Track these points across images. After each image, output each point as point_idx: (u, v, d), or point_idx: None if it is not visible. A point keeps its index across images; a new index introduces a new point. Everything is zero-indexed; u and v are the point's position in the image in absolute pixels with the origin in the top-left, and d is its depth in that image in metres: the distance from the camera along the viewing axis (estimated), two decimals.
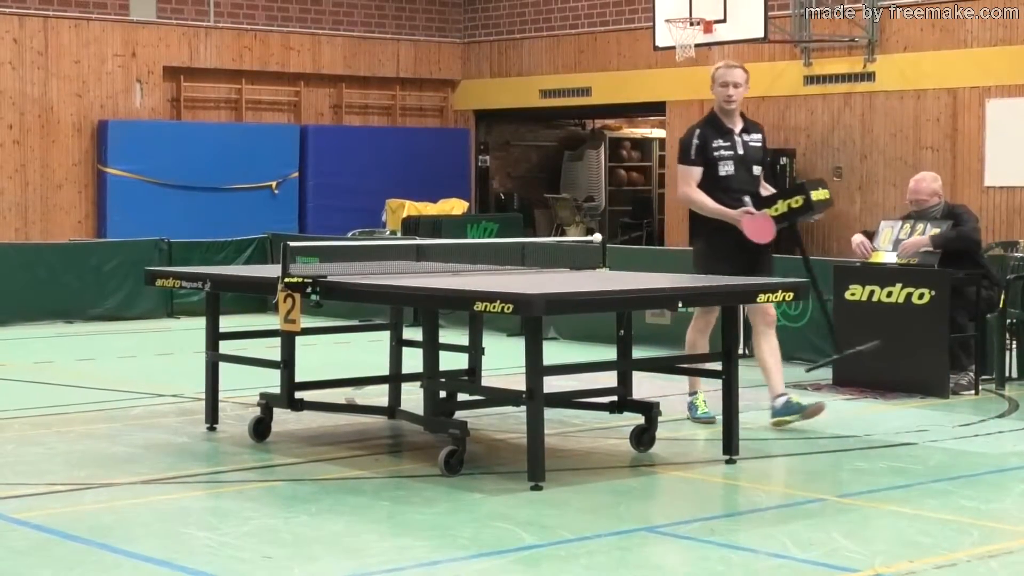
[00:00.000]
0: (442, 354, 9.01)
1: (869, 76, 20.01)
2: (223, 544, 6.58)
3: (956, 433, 9.48)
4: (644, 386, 9.48)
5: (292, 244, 8.66)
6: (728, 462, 8.35)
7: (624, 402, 8.87)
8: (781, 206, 9.44)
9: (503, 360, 10.65)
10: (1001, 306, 11.31)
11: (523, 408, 7.79)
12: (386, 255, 13.39)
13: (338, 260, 11.50)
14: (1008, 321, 11.42)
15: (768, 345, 9.53)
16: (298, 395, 9.05)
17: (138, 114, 22.14)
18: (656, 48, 20.32)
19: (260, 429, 9.09)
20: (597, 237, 9.84)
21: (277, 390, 9.06)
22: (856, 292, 11.18)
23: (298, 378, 9.07)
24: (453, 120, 25.47)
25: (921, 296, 10.89)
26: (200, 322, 9.92)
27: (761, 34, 19.18)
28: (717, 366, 8.45)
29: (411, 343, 9.66)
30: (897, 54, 19.77)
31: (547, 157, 26.86)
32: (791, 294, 8.52)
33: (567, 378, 9.70)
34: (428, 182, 23.55)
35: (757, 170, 9.60)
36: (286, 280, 8.37)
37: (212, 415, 9.46)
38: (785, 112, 21.04)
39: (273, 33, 23.43)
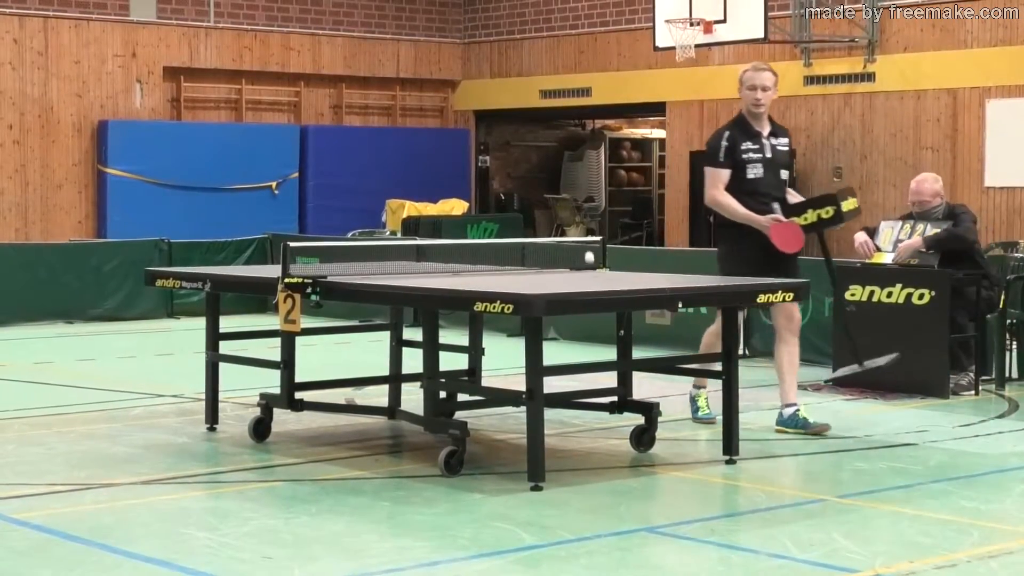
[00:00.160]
0: (442, 354, 9.01)
1: (869, 76, 20.02)
2: (223, 544, 6.58)
3: (956, 433, 9.48)
4: (644, 386, 9.48)
5: (292, 244, 8.66)
6: (728, 462, 8.35)
7: (624, 402, 8.87)
8: (811, 216, 9.29)
9: (503, 360, 10.65)
10: (1001, 306, 11.31)
11: (523, 408, 7.79)
12: (386, 255, 13.39)
13: (338, 260, 11.50)
14: (1008, 321, 11.42)
15: (788, 351, 9.38)
16: (298, 395, 9.05)
17: (138, 114, 22.15)
18: (656, 48, 20.32)
19: (260, 429, 9.09)
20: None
21: (277, 390, 9.06)
22: (856, 292, 11.19)
23: (298, 378, 9.07)
24: (453, 120, 25.48)
25: (921, 296, 10.89)
26: (200, 322, 9.92)
27: (761, 34, 19.19)
28: (717, 366, 8.45)
29: (411, 343, 9.66)
30: (897, 54, 19.78)
31: (547, 157, 26.86)
32: (791, 294, 8.52)
33: (567, 378, 9.70)
34: (428, 182, 23.55)
35: (784, 174, 9.47)
36: (286, 280, 8.37)
37: (212, 415, 9.46)
38: (785, 112, 21.02)
39: (273, 33, 23.43)
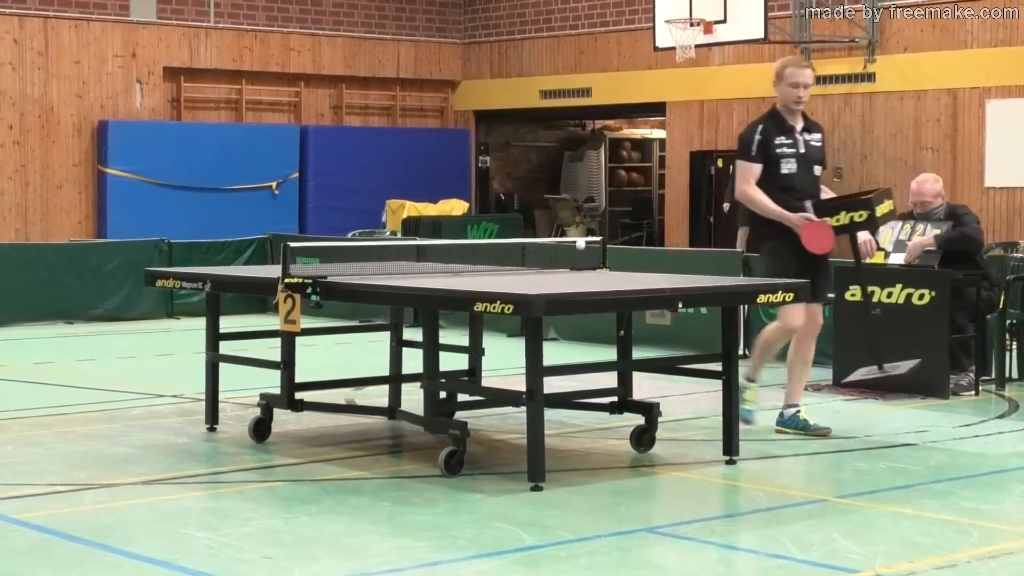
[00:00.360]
0: (442, 355, 9.01)
1: (869, 77, 20.02)
2: (223, 545, 6.58)
3: (956, 434, 9.48)
4: (644, 387, 9.47)
5: (292, 245, 8.66)
6: (728, 463, 8.35)
7: (624, 403, 8.87)
8: (843, 218, 9.15)
9: (503, 361, 10.65)
10: (1001, 307, 11.31)
11: (523, 409, 7.78)
12: (386, 256, 13.40)
13: (338, 261, 11.50)
14: (1008, 322, 11.43)
15: (802, 351, 9.29)
16: (298, 396, 9.05)
17: (138, 114, 22.15)
18: (656, 49, 20.32)
19: (260, 430, 9.09)
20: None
21: (277, 391, 9.06)
22: (856, 293, 11.18)
23: (298, 379, 9.07)
24: (453, 121, 25.48)
25: (921, 297, 10.89)
26: (200, 322, 9.92)
27: (761, 35, 19.19)
28: (717, 367, 8.44)
29: (411, 344, 9.66)
30: (897, 55, 19.78)
31: (547, 158, 26.86)
32: (791, 295, 8.51)
33: (567, 379, 9.70)
34: (428, 183, 23.55)
35: (818, 170, 9.31)
36: (286, 281, 8.37)
37: (212, 416, 9.46)
38: None
39: (273, 33, 23.44)
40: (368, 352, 11.64)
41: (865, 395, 10.86)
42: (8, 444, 9.03)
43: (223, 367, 9.49)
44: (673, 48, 19.59)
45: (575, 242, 9.74)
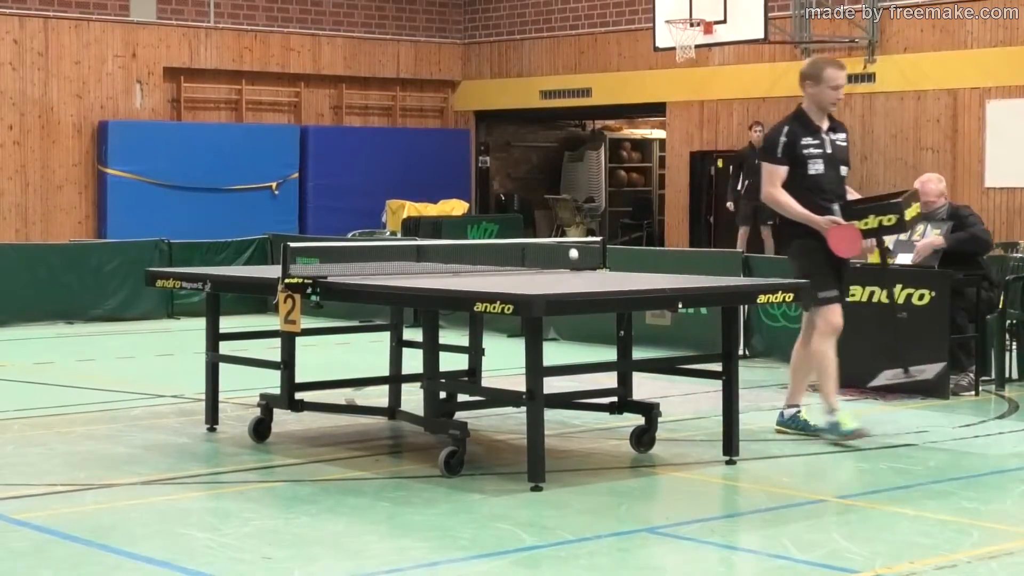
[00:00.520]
0: (442, 355, 9.01)
1: (869, 77, 20.02)
2: (223, 545, 6.58)
3: (956, 434, 9.48)
4: (644, 387, 9.47)
5: (292, 245, 8.66)
6: (728, 463, 8.35)
7: (624, 403, 8.87)
8: (872, 221, 9.05)
9: (503, 361, 10.65)
10: (1001, 307, 11.31)
11: (523, 409, 7.78)
12: (386, 256, 13.39)
13: (338, 261, 11.50)
14: (1008, 322, 11.43)
15: (810, 352, 9.19)
16: (298, 396, 9.05)
17: (138, 115, 22.15)
18: (656, 49, 20.34)
19: (260, 430, 9.09)
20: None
21: (277, 391, 9.06)
22: (856, 293, 11.17)
23: (298, 379, 9.07)
24: (453, 121, 25.48)
25: (921, 297, 10.89)
26: (200, 323, 9.92)
27: (761, 35, 19.21)
28: (717, 367, 8.44)
29: (411, 344, 9.66)
30: (897, 55, 19.78)
31: (547, 158, 26.87)
32: (791, 295, 8.52)
33: (567, 379, 9.70)
34: (428, 183, 23.56)
35: (844, 171, 9.19)
36: (286, 281, 8.37)
37: (212, 416, 9.46)
38: (785, 113, 20.98)
39: (273, 34, 23.44)
40: (368, 352, 11.64)
41: (865, 395, 10.86)
42: (8, 444, 9.03)
43: (223, 367, 9.49)
44: (673, 48, 19.60)
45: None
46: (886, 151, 19.90)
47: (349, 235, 21.01)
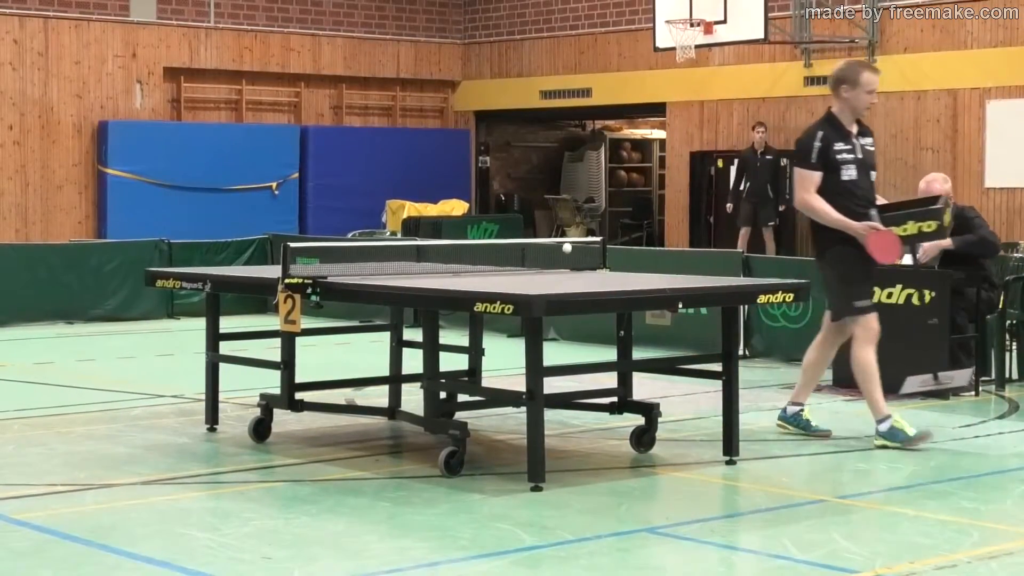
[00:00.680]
0: (442, 355, 9.01)
1: None
2: (223, 545, 6.58)
3: (956, 434, 9.48)
4: (644, 387, 9.48)
5: (292, 245, 8.66)
6: (728, 463, 8.35)
7: (624, 403, 8.87)
8: (911, 228, 8.96)
9: (503, 361, 10.65)
10: (1001, 307, 11.31)
11: (523, 409, 7.79)
12: (386, 256, 13.39)
13: (338, 261, 11.50)
14: (1008, 322, 11.43)
15: (826, 353, 9.14)
16: (298, 396, 9.06)
17: (138, 115, 22.15)
18: (656, 49, 20.34)
19: (260, 430, 9.09)
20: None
21: (277, 391, 9.06)
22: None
23: (298, 379, 9.07)
24: (453, 121, 25.48)
25: (921, 297, 10.89)
26: (200, 323, 9.92)
27: (761, 35, 19.20)
28: (717, 367, 8.44)
29: (411, 344, 9.66)
30: (897, 55, 19.78)
31: (547, 158, 26.87)
32: (791, 295, 8.52)
33: (567, 379, 9.70)
34: (428, 183, 23.56)
35: (874, 175, 9.05)
36: (286, 281, 8.37)
37: (212, 416, 9.46)
38: (785, 113, 21.04)
39: (273, 34, 23.44)
40: (368, 352, 11.65)
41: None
42: (8, 444, 9.03)
43: (223, 367, 9.49)
44: (673, 48, 19.60)
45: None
46: (886, 151, 19.88)
47: (349, 235, 21.01)
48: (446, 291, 8.17)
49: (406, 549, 6.54)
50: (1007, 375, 11.40)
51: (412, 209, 21.65)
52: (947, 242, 11.11)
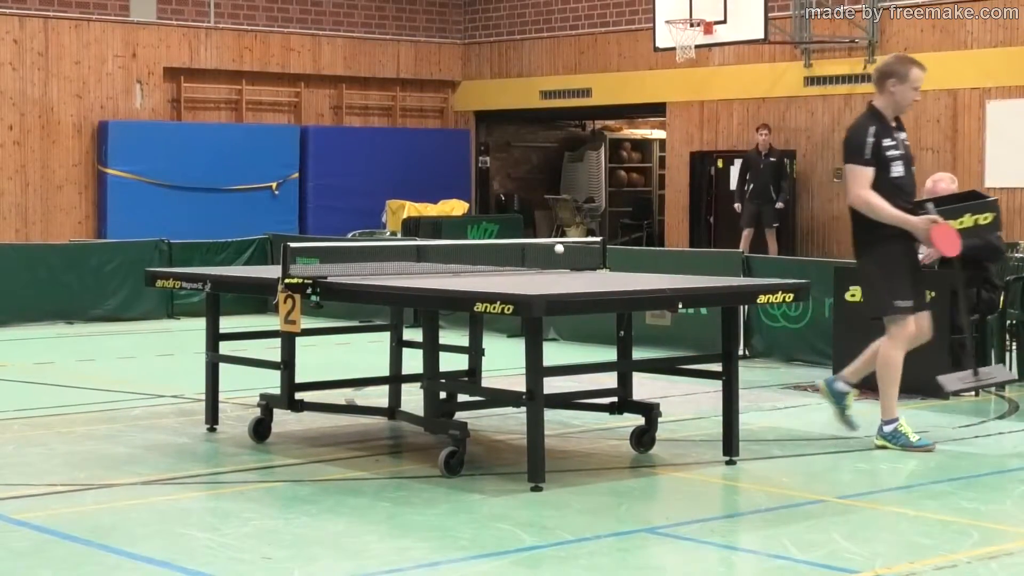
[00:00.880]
0: (442, 355, 9.01)
1: (869, 77, 19.95)
2: (223, 545, 6.58)
3: (956, 434, 9.48)
4: (644, 387, 9.47)
5: (292, 245, 8.66)
6: (728, 463, 8.35)
7: (624, 403, 8.87)
8: (968, 220, 8.87)
9: (503, 361, 10.65)
10: (1001, 307, 11.31)
11: (523, 409, 7.79)
12: (386, 256, 13.39)
13: (338, 261, 11.50)
14: (1008, 322, 11.42)
15: (878, 356, 8.85)
16: (298, 396, 9.06)
17: (138, 115, 22.15)
18: (656, 49, 20.34)
19: (260, 430, 9.09)
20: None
21: (277, 391, 9.06)
22: (856, 293, 11.16)
23: (298, 379, 9.07)
24: (453, 121, 25.48)
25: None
26: (200, 323, 9.92)
27: (761, 35, 19.20)
28: (717, 367, 8.44)
29: (411, 344, 9.66)
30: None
31: (547, 158, 26.87)
32: (791, 295, 8.51)
33: (567, 379, 9.70)
34: (428, 183, 23.56)
35: (913, 170, 8.95)
36: (286, 281, 8.37)
37: (212, 416, 9.46)
38: (785, 113, 21.04)
39: (273, 34, 23.44)
40: (368, 352, 11.65)
41: (865, 395, 10.84)
42: (8, 444, 9.03)
43: (223, 367, 9.49)
44: (673, 48, 19.60)
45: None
46: None
47: (349, 235, 21.01)
48: (446, 291, 8.17)
49: (406, 549, 6.54)
50: None
51: (412, 209, 21.65)
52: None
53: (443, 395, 9.04)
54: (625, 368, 8.94)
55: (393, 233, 21.04)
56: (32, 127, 21.31)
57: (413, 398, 9.47)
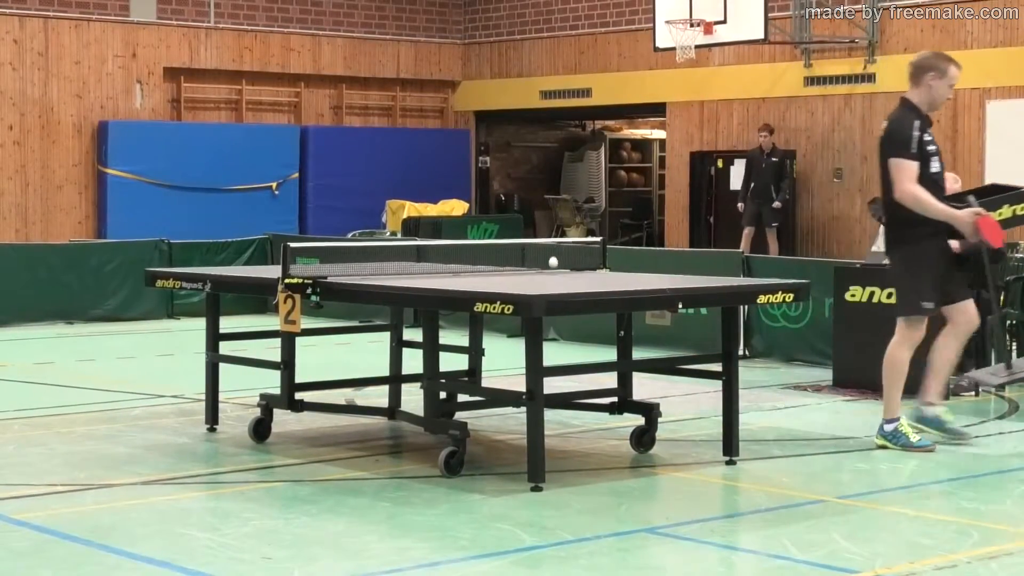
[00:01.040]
0: (442, 355, 9.01)
1: (869, 77, 20.02)
2: (223, 545, 6.58)
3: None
4: (644, 387, 9.47)
5: (292, 245, 8.66)
6: (728, 463, 8.35)
7: (624, 403, 8.87)
8: (1006, 212, 8.86)
9: (503, 361, 10.65)
10: (1001, 307, 11.30)
11: (523, 409, 7.79)
12: (386, 256, 13.39)
13: (338, 261, 11.50)
14: (1008, 322, 11.42)
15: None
16: (298, 396, 9.06)
17: (138, 115, 22.15)
18: (656, 49, 20.33)
19: (260, 430, 9.09)
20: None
21: (277, 391, 9.06)
22: (856, 293, 11.18)
23: (298, 379, 9.07)
24: (453, 121, 25.48)
25: None
26: (200, 323, 9.92)
27: (761, 35, 19.20)
28: (717, 367, 8.44)
29: (411, 344, 9.66)
30: (897, 55, 19.75)
31: (547, 158, 26.87)
32: (791, 295, 8.52)
33: (567, 379, 9.70)
34: (428, 183, 23.56)
35: (943, 166, 8.95)
36: (286, 281, 8.37)
37: (212, 416, 9.46)
38: (786, 113, 21.03)
39: (273, 34, 23.44)
40: (368, 352, 11.65)
41: (865, 395, 10.85)
42: (8, 444, 9.03)
43: (223, 367, 9.49)
44: (673, 48, 19.60)
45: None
46: None
47: (349, 235, 21.01)
48: (446, 291, 8.17)
49: (406, 549, 6.54)
50: None
51: (412, 209, 21.65)
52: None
53: (443, 395, 9.04)
54: (625, 368, 8.94)
55: (393, 233, 21.03)
56: (32, 127, 21.31)
57: (413, 398, 9.47)
